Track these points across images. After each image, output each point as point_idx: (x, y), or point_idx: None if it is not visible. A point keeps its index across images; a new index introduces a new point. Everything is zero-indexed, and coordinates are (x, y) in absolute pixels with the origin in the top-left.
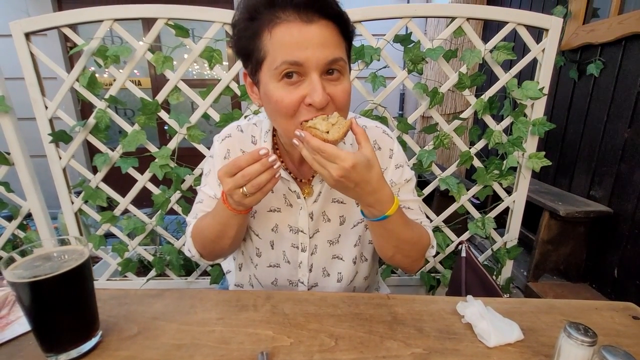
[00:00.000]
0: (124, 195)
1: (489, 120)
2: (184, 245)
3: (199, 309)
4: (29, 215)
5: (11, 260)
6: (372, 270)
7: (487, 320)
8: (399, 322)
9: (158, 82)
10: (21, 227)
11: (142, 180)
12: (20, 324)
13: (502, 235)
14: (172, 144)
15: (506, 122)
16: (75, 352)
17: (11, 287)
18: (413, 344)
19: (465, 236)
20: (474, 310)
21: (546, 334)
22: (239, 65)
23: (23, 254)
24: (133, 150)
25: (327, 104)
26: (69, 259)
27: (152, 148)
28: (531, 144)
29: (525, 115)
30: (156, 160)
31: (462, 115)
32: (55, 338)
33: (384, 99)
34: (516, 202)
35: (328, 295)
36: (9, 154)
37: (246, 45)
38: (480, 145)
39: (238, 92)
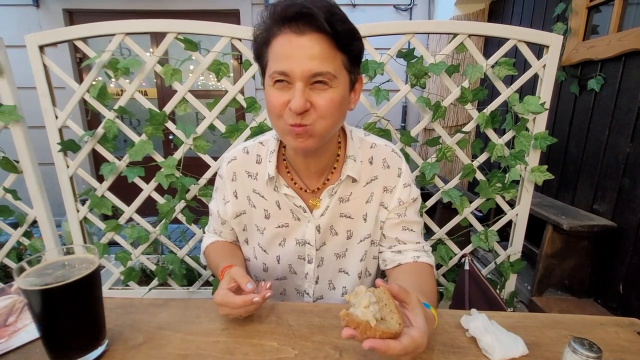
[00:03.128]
0: (127, 203)
1: (491, 133)
2: (186, 254)
3: (204, 319)
4: (33, 223)
5: (22, 269)
6: (374, 285)
7: (492, 334)
8: None
9: (164, 92)
10: (26, 234)
11: (148, 189)
12: (27, 331)
13: (505, 248)
14: (178, 154)
15: (508, 136)
16: None
17: (23, 295)
18: (417, 357)
19: (468, 249)
20: (478, 323)
21: (551, 349)
22: (245, 78)
23: (34, 262)
24: (140, 159)
25: (305, 110)
26: (79, 267)
27: (159, 158)
28: (533, 158)
29: (527, 129)
30: (162, 169)
31: (464, 129)
32: (64, 346)
33: (387, 111)
34: (519, 215)
35: (332, 307)
36: (17, 162)
37: (258, 50)
38: (482, 158)
39: (244, 104)
